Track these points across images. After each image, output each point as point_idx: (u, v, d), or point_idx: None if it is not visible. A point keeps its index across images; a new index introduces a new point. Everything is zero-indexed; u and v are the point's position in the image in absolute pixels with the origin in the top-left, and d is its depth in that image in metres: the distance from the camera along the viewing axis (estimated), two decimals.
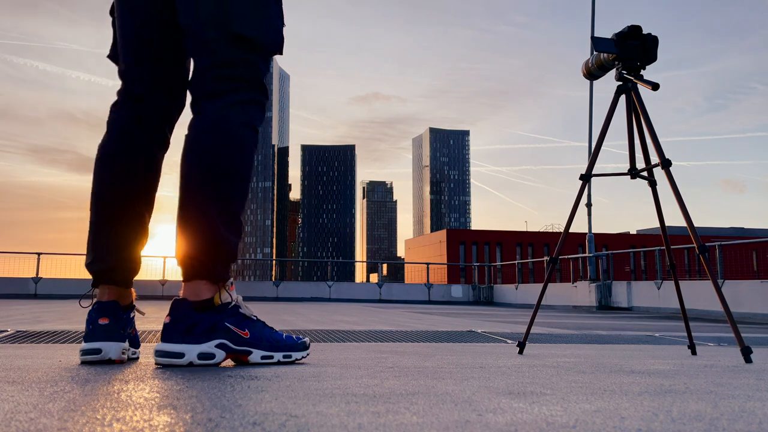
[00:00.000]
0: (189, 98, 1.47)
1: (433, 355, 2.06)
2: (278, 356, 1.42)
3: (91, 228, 1.47)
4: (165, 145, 1.54)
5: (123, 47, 1.49)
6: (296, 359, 1.48)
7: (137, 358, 1.57)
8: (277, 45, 1.45)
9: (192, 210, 1.33)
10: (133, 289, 1.49)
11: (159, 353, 1.31)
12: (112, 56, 1.54)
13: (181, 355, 1.28)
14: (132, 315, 1.48)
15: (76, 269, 14.70)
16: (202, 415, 0.92)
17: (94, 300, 1.45)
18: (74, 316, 4.71)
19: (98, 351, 1.39)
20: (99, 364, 1.43)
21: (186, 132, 1.39)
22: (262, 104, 1.44)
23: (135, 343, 1.55)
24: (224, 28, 1.38)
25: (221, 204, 1.33)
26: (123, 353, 1.44)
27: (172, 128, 1.56)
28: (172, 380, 1.31)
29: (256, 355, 1.37)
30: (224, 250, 1.34)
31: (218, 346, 1.31)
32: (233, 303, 1.35)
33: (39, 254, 14.24)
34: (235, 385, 1.25)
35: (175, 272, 15.14)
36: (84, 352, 1.40)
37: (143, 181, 1.48)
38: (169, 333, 1.30)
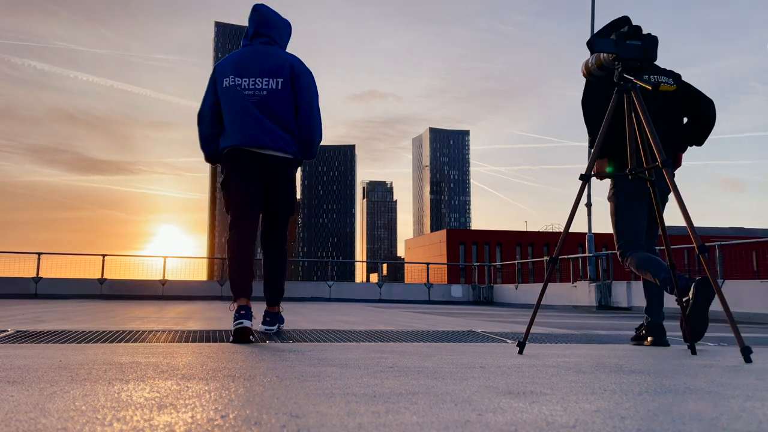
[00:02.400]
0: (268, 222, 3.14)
1: (433, 355, 2.06)
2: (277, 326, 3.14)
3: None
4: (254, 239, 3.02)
5: (245, 208, 2.90)
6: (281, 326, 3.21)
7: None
8: None
9: (276, 280, 3.09)
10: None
11: (267, 330, 3.00)
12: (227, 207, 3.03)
13: (273, 330, 3.04)
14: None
15: (76, 269, 14.69)
16: (202, 415, 0.92)
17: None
18: (74, 316, 4.71)
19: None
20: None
21: (269, 242, 3.09)
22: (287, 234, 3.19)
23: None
24: (293, 210, 3.10)
25: (282, 278, 3.12)
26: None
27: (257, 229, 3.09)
28: (172, 380, 1.31)
29: (277, 328, 3.10)
30: (282, 295, 3.12)
31: (278, 325, 3.13)
32: (279, 313, 3.17)
33: (39, 254, 14.21)
34: (235, 386, 1.25)
35: (175, 273, 15.08)
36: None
37: (252, 263, 2.93)
38: (267, 322, 3.02)
